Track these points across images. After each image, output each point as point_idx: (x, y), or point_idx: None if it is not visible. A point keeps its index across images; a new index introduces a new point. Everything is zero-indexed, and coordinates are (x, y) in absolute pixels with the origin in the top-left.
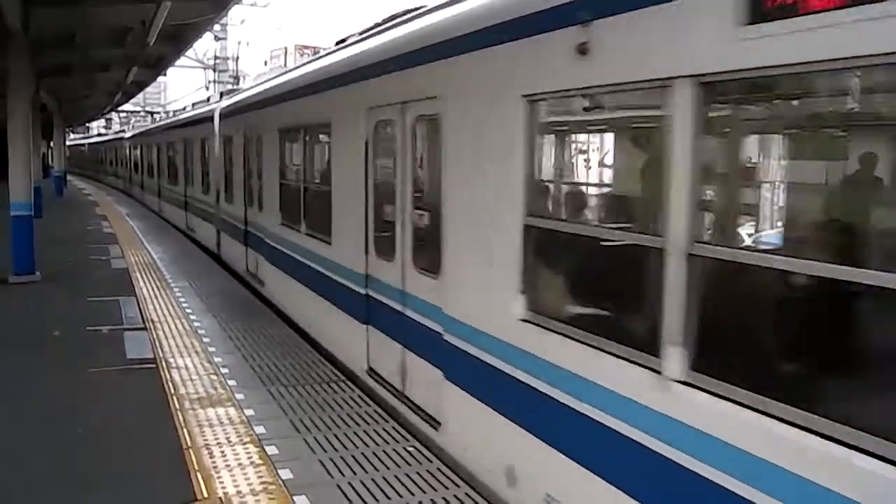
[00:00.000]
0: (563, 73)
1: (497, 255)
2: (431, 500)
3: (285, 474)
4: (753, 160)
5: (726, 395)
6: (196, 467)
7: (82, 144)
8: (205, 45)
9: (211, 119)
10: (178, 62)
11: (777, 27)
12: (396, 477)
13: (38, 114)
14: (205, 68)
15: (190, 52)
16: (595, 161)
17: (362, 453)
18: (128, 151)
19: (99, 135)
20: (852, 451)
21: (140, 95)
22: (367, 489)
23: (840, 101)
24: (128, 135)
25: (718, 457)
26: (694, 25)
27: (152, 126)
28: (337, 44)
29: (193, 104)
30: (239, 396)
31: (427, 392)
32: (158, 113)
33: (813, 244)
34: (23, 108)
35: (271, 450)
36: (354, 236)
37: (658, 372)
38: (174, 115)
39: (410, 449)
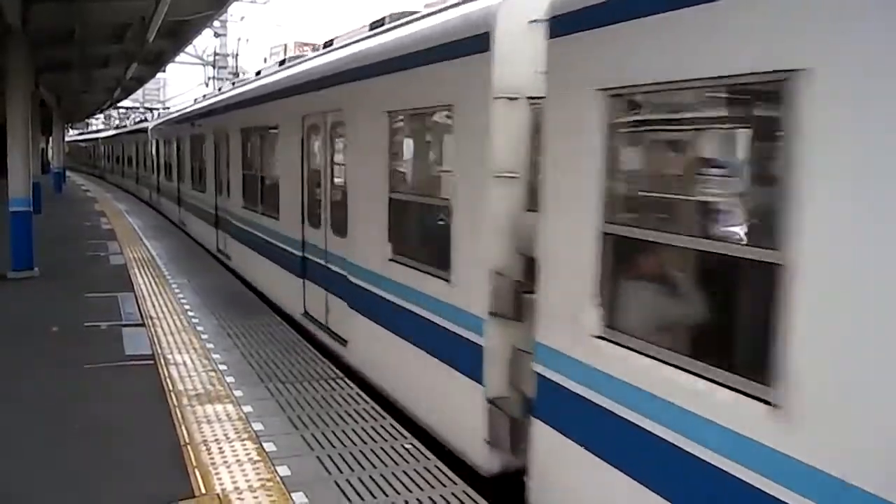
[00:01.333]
0: None
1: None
2: (429, 496)
3: (283, 471)
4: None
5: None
6: (194, 464)
7: (90, 139)
8: (205, 42)
9: (432, 57)
10: (177, 58)
11: None
12: (394, 474)
13: (37, 110)
14: (204, 65)
15: (189, 49)
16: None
17: (360, 450)
18: (155, 148)
19: (117, 126)
20: None
21: (139, 91)
22: (365, 486)
23: None
24: (152, 124)
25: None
26: None
27: (198, 107)
28: None
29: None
30: (237, 393)
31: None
32: (157, 109)
33: None
34: (22, 104)
35: (269, 446)
36: None
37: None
38: (243, 81)
39: (409, 446)
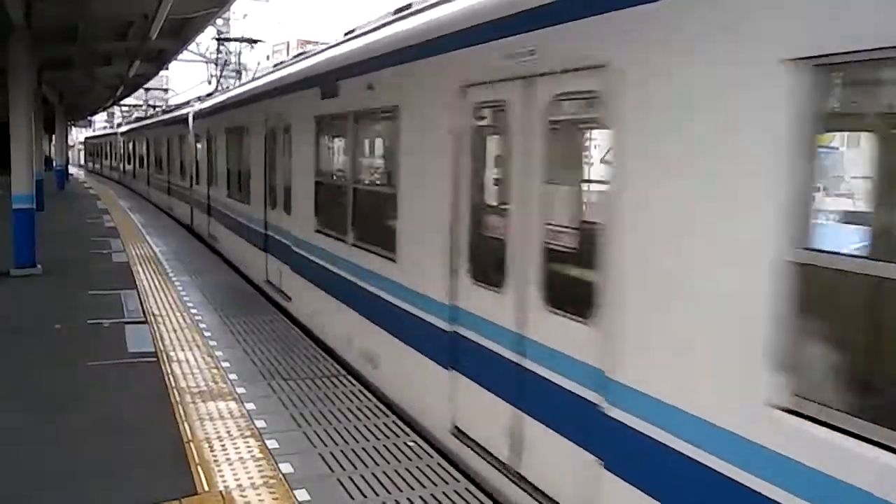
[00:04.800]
0: None
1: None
2: (431, 494)
3: (286, 468)
4: None
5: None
6: (197, 461)
7: (150, 125)
8: (207, 40)
9: None
10: (180, 56)
11: None
12: (396, 471)
13: (40, 107)
14: (207, 62)
15: (192, 47)
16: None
17: (363, 447)
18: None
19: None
20: None
21: (141, 90)
22: (368, 483)
23: None
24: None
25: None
26: None
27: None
28: None
29: None
30: (240, 390)
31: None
32: (160, 106)
33: None
34: (25, 101)
35: (272, 444)
36: None
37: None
38: None
39: (411, 444)
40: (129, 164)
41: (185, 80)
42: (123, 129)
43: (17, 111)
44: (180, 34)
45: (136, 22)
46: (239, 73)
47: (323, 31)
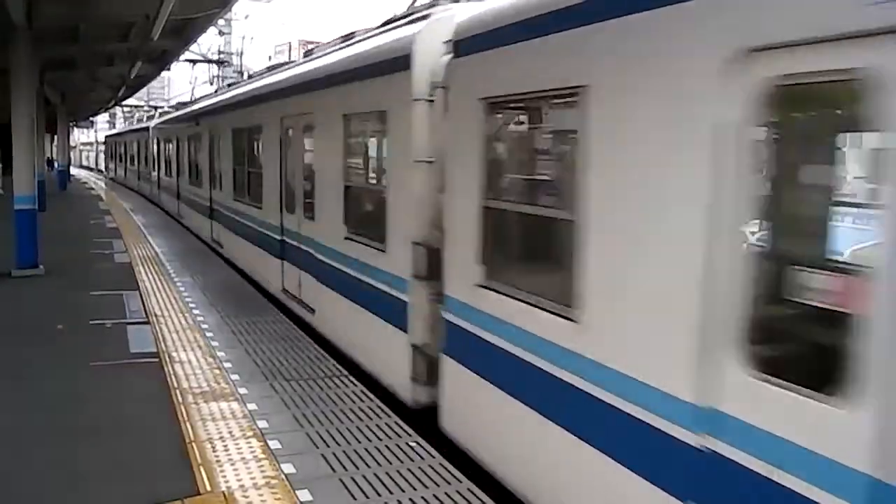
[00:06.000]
0: None
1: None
2: (434, 494)
3: (288, 468)
4: None
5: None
6: (199, 461)
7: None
8: (209, 40)
9: None
10: (182, 57)
11: None
12: (399, 472)
13: (42, 108)
14: (208, 63)
15: (194, 47)
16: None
17: (365, 448)
18: None
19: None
20: None
21: (144, 90)
22: (370, 483)
23: None
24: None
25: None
26: None
27: None
28: None
29: None
30: (242, 391)
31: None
32: (161, 107)
33: None
34: (27, 102)
35: (274, 444)
36: None
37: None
38: None
39: (413, 444)
40: (167, 174)
41: (186, 81)
42: (156, 121)
43: (18, 112)
44: (182, 34)
45: (137, 22)
46: (241, 73)
47: (324, 31)
